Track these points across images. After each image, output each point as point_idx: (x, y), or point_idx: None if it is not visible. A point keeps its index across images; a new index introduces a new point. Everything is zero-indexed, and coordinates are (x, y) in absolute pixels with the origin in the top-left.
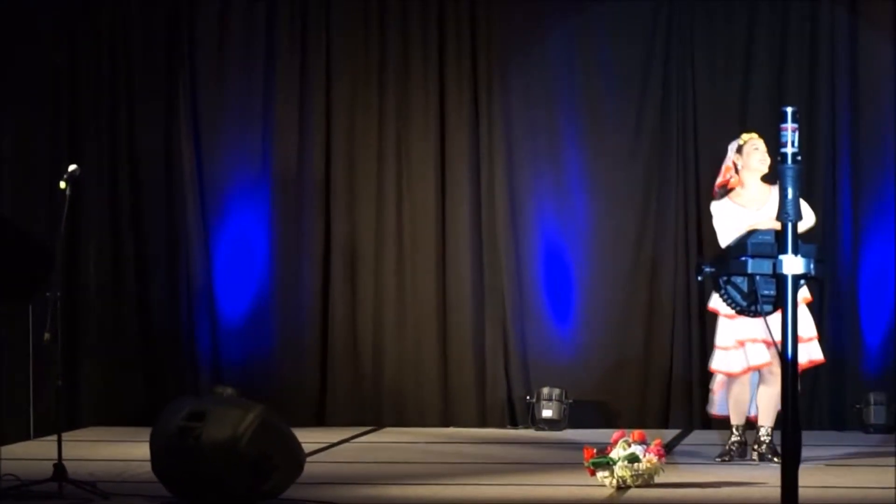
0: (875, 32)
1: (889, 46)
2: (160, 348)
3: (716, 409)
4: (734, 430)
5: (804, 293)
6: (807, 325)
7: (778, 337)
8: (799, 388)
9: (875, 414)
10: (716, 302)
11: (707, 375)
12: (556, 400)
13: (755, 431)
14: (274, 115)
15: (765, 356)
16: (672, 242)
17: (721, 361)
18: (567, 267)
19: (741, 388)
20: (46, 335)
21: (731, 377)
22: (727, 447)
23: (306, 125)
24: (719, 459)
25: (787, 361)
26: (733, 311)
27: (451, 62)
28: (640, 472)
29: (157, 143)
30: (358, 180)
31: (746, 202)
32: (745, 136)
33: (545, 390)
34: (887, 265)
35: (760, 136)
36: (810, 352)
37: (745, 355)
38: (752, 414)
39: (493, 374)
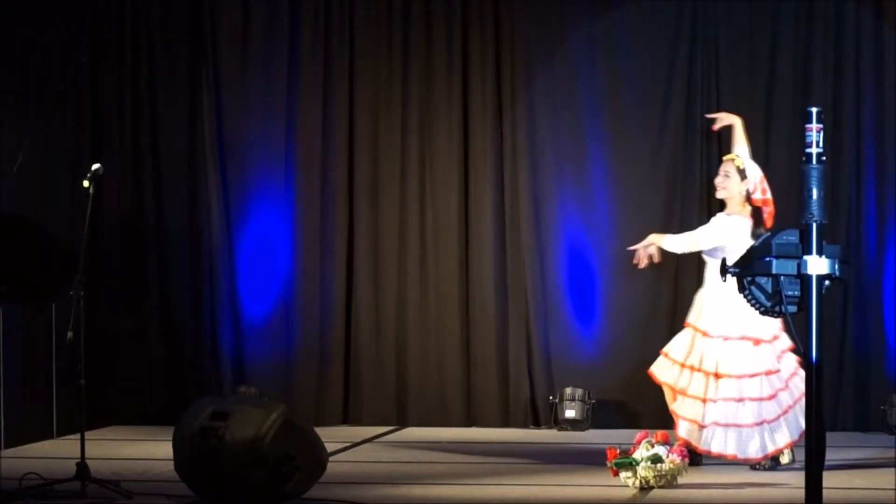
0: None
1: None
2: (183, 348)
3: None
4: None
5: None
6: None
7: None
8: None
9: None
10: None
11: None
12: (578, 400)
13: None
14: (297, 115)
15: None
16: None
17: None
18: (590, 267)
19: None
20: (69, 334)
21: None
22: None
23: (329, 125)
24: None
25: (811, 363)
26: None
27: (475, 62)
28: (663, 472)
29: (180, 143)
30: (381, 181)
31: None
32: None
33: (568, 391)
34: None
35: (732, 158)
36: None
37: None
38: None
39: (516, 375)
